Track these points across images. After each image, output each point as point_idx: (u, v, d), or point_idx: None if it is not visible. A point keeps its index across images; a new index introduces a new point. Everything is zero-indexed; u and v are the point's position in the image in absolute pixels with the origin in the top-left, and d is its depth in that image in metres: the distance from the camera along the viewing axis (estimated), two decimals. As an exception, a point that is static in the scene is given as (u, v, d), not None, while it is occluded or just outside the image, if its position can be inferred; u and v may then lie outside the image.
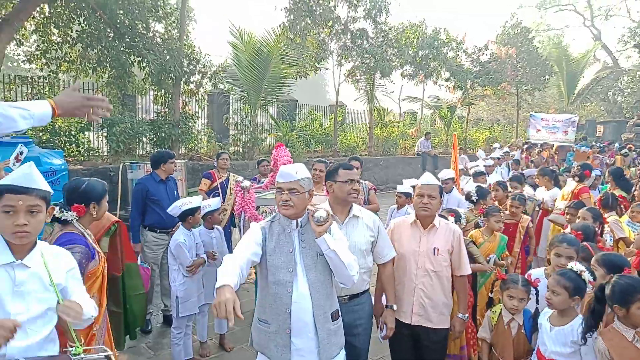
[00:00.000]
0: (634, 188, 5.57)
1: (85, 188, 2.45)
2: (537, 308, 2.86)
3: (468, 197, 5.12)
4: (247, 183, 4.30)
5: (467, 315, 3.07)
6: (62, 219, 2.36)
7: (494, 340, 2.93)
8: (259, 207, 4.44)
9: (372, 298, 3.02)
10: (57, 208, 2.31)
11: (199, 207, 3.93)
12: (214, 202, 4.18)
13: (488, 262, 3.84)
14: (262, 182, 5.53)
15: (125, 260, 3.09)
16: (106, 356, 1.78)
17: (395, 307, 2.87)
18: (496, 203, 5.16)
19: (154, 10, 8.59)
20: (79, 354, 1.70)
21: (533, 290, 2.89)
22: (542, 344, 2.58)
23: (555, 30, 35.51)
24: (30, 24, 8.35)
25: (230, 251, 4.52)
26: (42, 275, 1.79)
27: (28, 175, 1.73)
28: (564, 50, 25.16)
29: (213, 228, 4.19)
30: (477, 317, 3.96)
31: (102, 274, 2.49)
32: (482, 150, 13.30)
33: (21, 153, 4.20)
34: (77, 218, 2.39)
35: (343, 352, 2.39)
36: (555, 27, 36.50)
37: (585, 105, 29.15)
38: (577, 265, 2.55)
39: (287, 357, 2.21)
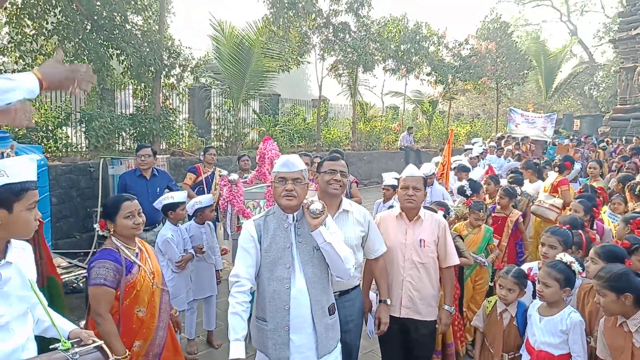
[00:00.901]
0: (611, 181, 5.70)
1: (106, 205, 2.58)
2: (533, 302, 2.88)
3: (461, 191, 5.16)
4: (235, 176, 4.25)
5: (453, 307, 3.08)
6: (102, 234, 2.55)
7: (485, 330, 2.95)
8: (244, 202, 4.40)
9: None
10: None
11: (181, 202, 3.88)
12: (205, 199, 4.12)
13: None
14: (245, 178, 5.48)
15: (46, 272, 2.65)
16: (96, 347, 1.74)
17: (389, 302, 2.86)
18: (487, 197, 5.23)
19: (132, 1, 8.38)
20: (68, 349, 1.66)
21: (530, 285, 2.89)
22: (532, 335, 2.60)
23: (533, 25, 36.08)
24: (2, 16, 8.06)
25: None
26: (23, 271, 1.74)
27: (35, 170, 1.72)
28: (542, 45, 25.65)
29: (204, 223, 4.14)
30: (464, 310, 4.00)
31: (151, 289, 2.52)
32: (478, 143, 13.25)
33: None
34: (107, 232, 2.51)
35: (339, 345, 2.39)
36: (533, 22, 37.03)
37: (563, 100, 29.74)
38: (566, 257, 2.58)
39: (285, 354, 2.19)
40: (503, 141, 13.06)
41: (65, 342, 1.69)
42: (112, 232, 2.51)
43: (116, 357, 2.22)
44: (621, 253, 2.61)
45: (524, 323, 2.76)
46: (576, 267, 2.51)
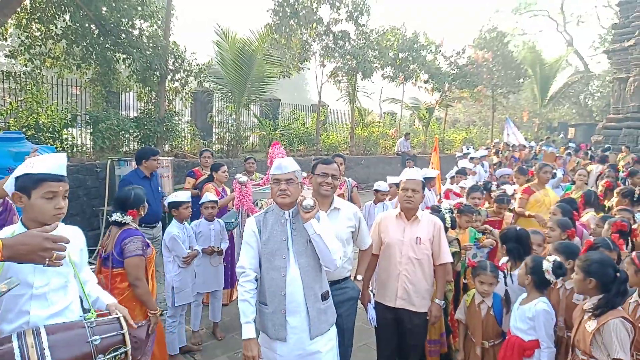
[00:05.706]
0: (599, 188, 5.93)
1: (134, 197, 3.12)
2: (506, 290, 3.13)
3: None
4: (244, 178, 4.48)
5: (443, 301, 3.31)
6: (123, 222, 3.05)
7: (467, 321, 3.22)
8: (256, 201, 4.63)
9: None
10: (117, 214, 3.05)
11: (185, 201, 4.05)
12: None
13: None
14: (245, 180, 5.68)
15: None
16: (116, 318, 1.97)
17: (359, 278, 3.13)
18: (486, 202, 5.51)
19: (139, 8, 8.62)
20: (90, 319, 1.90)
21: (501, 274, 3.16)
22: (510, 322, 2.91)
23: (530, 35, 36.62)
24: (12, 19, 8.29)
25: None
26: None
27: (63, 165, 1.95)
28: (538, 54, 26.04)
29: (213, 220, 4.36)
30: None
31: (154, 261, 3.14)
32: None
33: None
34: (131, 219, 3.09)
35: (334, 328, 2.62)
36: (529, 31, 37.60)
37: (558, 108, 30.17)
38: (547, 261, 2.80)
39: (283, 334, 2.44)
40: (493, 149, 13.38)
41: (92, 313, 1.95)
42: (142, 215, 3.18)
43: (152, 312, 2.99)
44: (575, 249, 2.94)
45: (500, 312, 3.05)
46: (545, 265, 2.75)
